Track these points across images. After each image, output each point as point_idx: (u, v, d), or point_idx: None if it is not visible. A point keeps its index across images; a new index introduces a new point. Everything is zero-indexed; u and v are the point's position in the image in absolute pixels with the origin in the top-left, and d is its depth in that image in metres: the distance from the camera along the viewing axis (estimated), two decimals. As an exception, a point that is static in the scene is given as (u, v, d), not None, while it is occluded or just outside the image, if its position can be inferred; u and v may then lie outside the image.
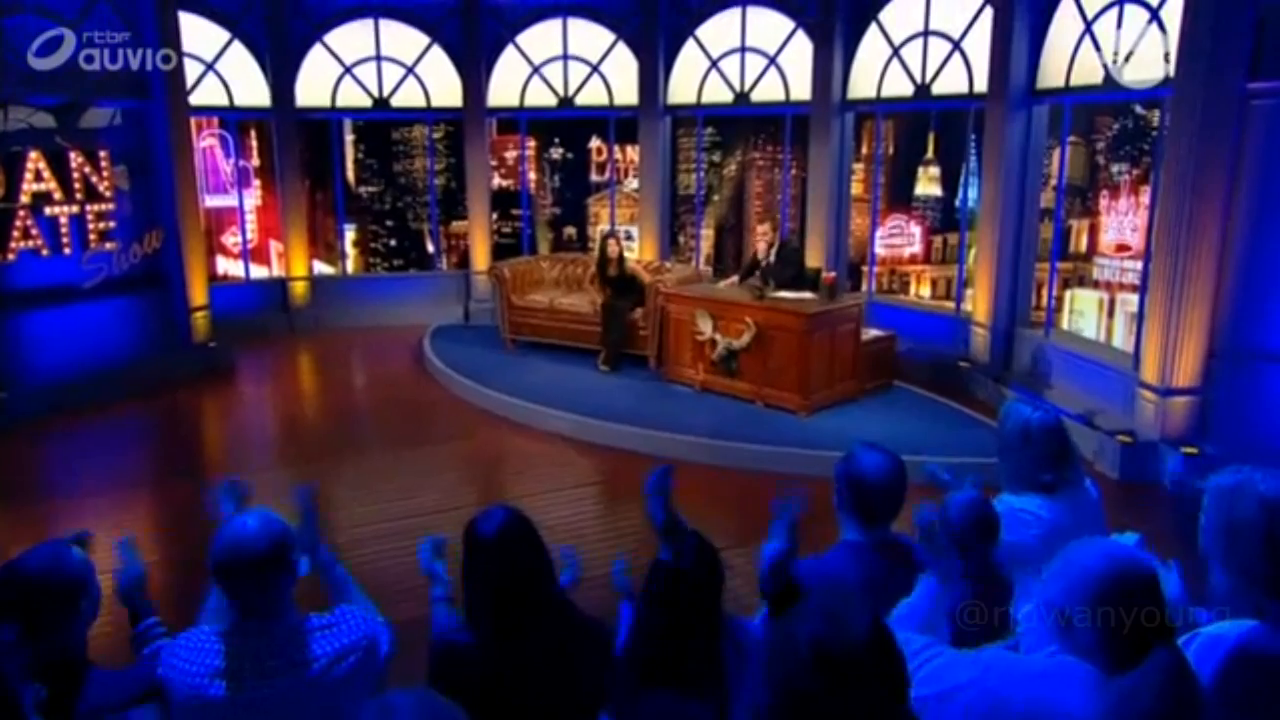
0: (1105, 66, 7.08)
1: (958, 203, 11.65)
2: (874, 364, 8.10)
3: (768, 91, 10.62)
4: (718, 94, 10.94)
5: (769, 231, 8.39)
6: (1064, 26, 7.62)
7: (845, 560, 2.68)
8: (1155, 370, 6.44)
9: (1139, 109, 8.75)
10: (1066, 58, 7.60)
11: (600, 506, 6.40)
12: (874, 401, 7.90)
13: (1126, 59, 6.75)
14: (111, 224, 8.61)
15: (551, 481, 6.75)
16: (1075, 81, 7.57)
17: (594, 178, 14.81)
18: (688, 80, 11.07)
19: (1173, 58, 6.36)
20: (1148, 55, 6.59)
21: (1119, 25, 6.90)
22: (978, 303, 8.62)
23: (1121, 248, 7.95)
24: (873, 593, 2.49)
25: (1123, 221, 7.86)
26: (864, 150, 11.27)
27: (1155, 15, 6.68)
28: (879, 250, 10.59)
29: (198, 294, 9.48)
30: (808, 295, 7.94)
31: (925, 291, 11.55)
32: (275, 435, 8.21)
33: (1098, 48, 7.19)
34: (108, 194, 8.51)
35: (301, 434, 8.08)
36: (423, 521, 5.93)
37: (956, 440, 6.90)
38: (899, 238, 11.08)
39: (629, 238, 12.02)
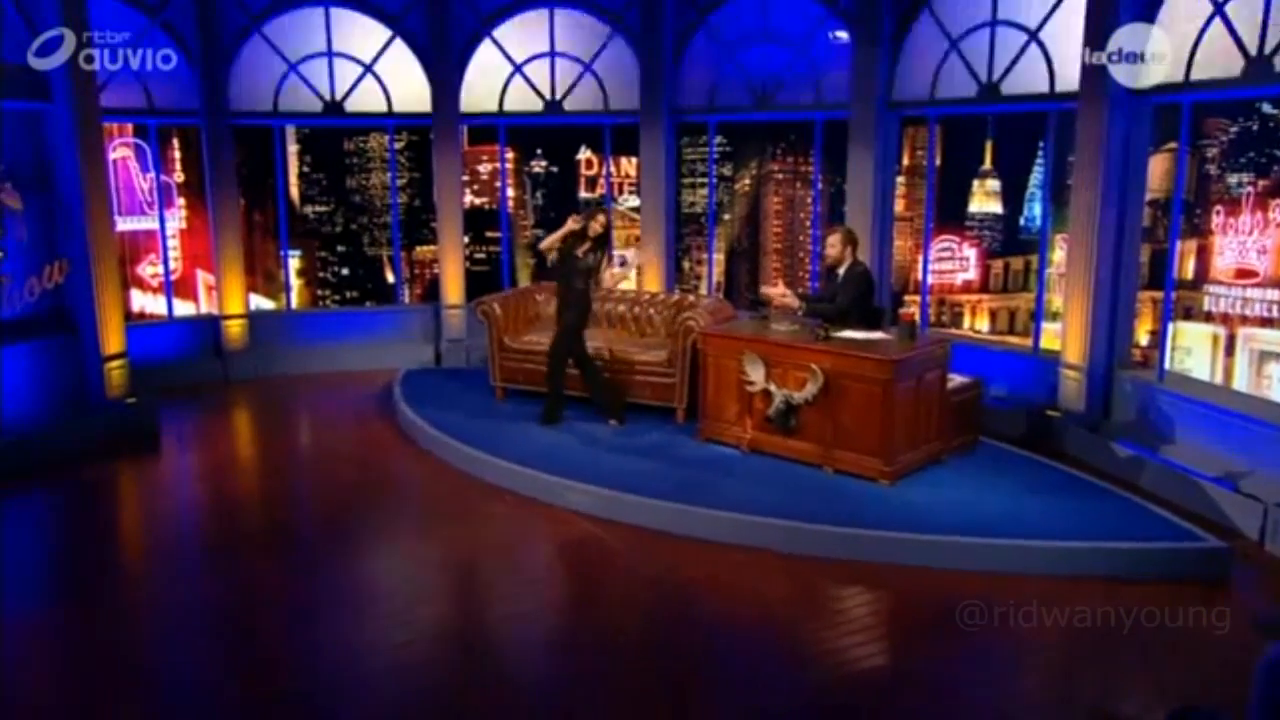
0: (1246, 55, 6.21)
1: (1023, 221, 10.81)
2: (959, 417, 7.10)
3: (794, 93, 9.69)
4: (734, 96, 9.98)
5: (837, 243, 7.15)
6: (1183, 7, 6.76)
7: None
8: (1342, 428, 5.52)
9: (1267, 108, 7.95)
10: (1187, 46, 6.74)
11: (669, 623, 5.23)
12: (962, 463, 6.90)
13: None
14: None
15: (588, 585, 5.65)
16: (1198, 75, 6.71)
17: (583, 194, 13.71)
18: (698, 80, 10.09)
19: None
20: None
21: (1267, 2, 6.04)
22: (1069, 340, 7.69)
23: (1244, 273, 7.09)
24: None
25: (1245, 242, 6.99)
26: (905, 161, 10.36)
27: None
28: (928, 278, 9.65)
29: (112, 339, 8.11)
30: (879, 335, 6.92)
31: (983, 325, 10.65)
32: (211, 530, 6.63)
33: (1233, 32, 6.34)
34: (-6, 217, 7.22)
35: (246, 527, 6.56)
36: (428, 654, 4.71)
37: (1083, 515, 5.91)
38: (950, 262, 10.18)
39: (623, 264, 10.97)
